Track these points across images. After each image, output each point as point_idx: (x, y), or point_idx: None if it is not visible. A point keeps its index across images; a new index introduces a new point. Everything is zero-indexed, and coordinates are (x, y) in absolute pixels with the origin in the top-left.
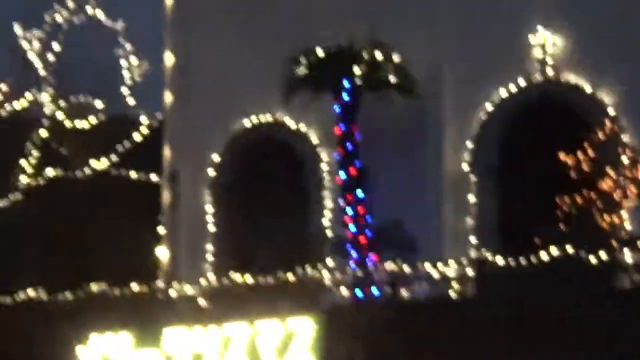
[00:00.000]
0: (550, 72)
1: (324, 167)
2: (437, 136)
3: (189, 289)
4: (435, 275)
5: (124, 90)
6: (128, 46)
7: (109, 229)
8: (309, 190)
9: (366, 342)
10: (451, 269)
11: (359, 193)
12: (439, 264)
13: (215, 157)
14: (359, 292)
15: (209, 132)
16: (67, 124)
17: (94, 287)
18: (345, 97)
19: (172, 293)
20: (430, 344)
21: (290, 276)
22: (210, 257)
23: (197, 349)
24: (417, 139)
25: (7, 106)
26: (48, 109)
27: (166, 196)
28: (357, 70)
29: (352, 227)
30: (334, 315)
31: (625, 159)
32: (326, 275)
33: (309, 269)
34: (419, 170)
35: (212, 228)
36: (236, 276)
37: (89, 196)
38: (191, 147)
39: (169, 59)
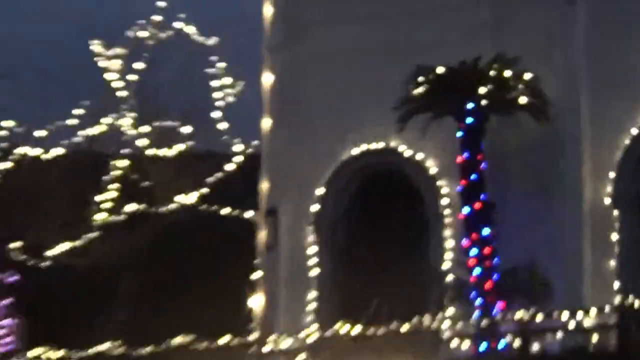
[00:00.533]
0: None
1: (444, 201)
2: (574, 164)
3: (287, 342)
4: (573, 324)
5: (217, 115)
6: (221, 64)
7: (196, 273)
8: (427, 228)
9: None
10: (591, 318)
11: (485, 231)
12: (577, 312)
13: (319, 191)
14: (483, 345)
15: (312, 161)
16: (151, 152)
17: (179, 339)
18: (468, 120)
19: (269, 347)
20: None
21: (405, 326)
22: (313, 305)
23: None
24: (551, 168)
25: (84, 132)
26: (129, 135)
27: (263, 235)
28: (482, 90)
29: (477, 270)
30: None
31: None
32: (446, 325)
33: (426, 318)
34: (554, 204)
35: (315, 272)
36: (343, 327)
37: (174, 235)
38: (292, 179)
39: (267, 79)
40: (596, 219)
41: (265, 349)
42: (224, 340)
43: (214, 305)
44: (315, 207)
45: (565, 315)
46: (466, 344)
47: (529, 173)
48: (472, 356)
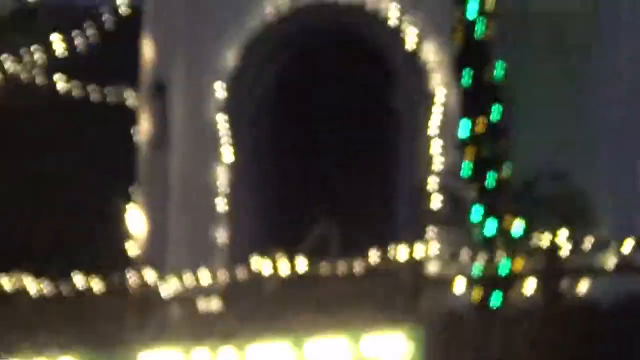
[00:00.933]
0: None
1: (429, 75)
2: (613, 33)
3: (181, 284)
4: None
5: None
6: None
7: (47, 179)
8: (402, 116)
9: None
10: None
11: (495, 113)
12: (629, 241)
13: (231, 58)
14: (492, 291)
15: (220, 15)
16: None
17: (21, 278)
18: None
19: (155, 290)
20: None
21: (367, 262)
22: (220, 233)
23: None
24: (581, 35)
25: None
26: None
27: (145, 124)
28: None
29: (487, 179)
30: (446, 330)
31: None
32: (432, 259)
33: (400, 250)
34: (590, 87)
35: (224, 181)
36: (268, 263)
37: (16, 124)
38: (190, 40)
39: None
40: None
41: (151, 292)
42: (87, 280)
43: (72, 228)
44: (222, 85)
45: (613, 245)
46: (463, 289)
47: (554, 40)
48: (472, 308)
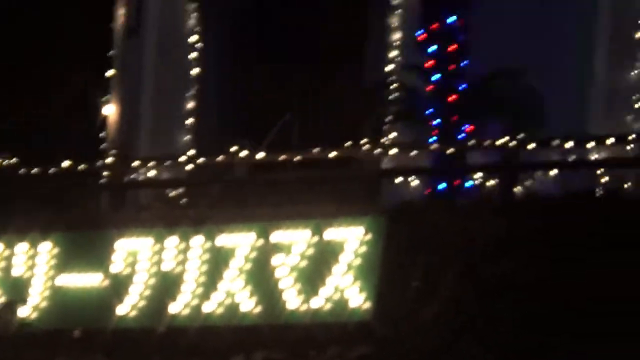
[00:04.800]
0: None
1: None
2: None
3: (155, 171)
4: (574, 156)
5: None
6: None
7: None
8: (364, 15)
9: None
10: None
11: (450, 18)
12: (586, 142)
13: None
14: (443, 184)
15: None
16: None
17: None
18: None
19: (128, 176)
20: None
21: (329, 154)
22: (192, 119)
23: (169, 267)
24: None
25: None
26: None
27: (121, 12)
28: None
29: (435, 76)
30: (404, 220)
31: None
32: (388, 154)
33: (361, 145)
34: None
35: (196, 68)
36: (239, 151)
37: None
38: None
39: None
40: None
41: (125, 177)
42: (63, 164)
43: (47, 116)
44: None
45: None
46: (417, 183)
47: None
48: (424, 198)
